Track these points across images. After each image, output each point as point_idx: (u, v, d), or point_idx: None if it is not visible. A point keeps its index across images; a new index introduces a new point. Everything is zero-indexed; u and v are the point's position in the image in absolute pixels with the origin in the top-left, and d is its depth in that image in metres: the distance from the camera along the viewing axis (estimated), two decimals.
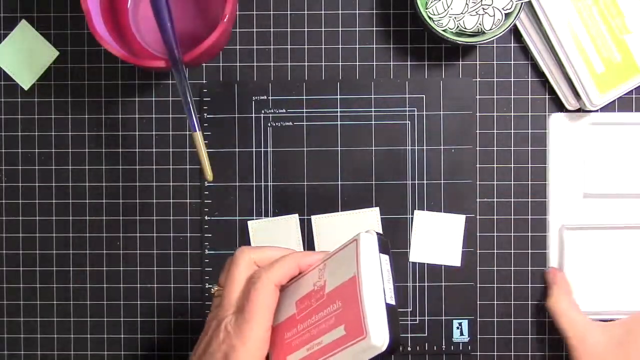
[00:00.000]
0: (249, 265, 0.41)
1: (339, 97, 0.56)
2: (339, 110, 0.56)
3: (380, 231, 0.40)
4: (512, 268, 0.57)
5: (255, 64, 0.57)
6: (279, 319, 0.41)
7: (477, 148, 0.57)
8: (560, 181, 0.56)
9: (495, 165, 0.57)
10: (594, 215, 0.56)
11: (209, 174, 0.48)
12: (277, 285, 0.40)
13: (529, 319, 0.57)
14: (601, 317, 0.55)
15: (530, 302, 0.57)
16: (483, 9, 0.52)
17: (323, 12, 0.57)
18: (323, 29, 0.57)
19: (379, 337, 0.34)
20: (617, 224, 0.56)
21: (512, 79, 0.57)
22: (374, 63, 0.57)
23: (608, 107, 0.56)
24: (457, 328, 0.56)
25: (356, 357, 0.35)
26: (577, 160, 0.56)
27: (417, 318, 0.56)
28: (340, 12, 0.57)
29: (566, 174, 0.56)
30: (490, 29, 0.52)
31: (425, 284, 0.56)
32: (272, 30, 0.57)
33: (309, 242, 0.56)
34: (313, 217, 0.56)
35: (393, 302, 0.37)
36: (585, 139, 0.56)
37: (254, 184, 0.57)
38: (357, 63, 0.57)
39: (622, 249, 0.56)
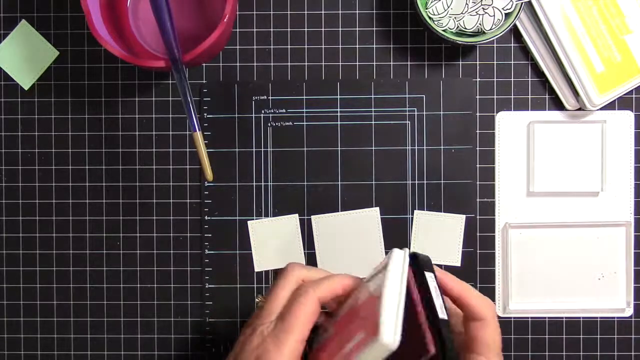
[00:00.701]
0: (296, 281, 0.42)
1: (339, 97, 0.56)
2: (339, 110, 0.56)
3: (412, 252, 0.41)
4: None
5: (255, 64, 0.57)
6: (319, 342, 0.42)
7: (477, 148, 0.57)
8: (507, 179, 0.56)
9: (495, 165, 0.57)
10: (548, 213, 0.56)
11: (209, 174, 0.48)
12: (320, 300, 0.40)
13: (529, 319, 0.57)
14: (541, 315, 0.56)
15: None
16: (483, 9, 0.52)
17: (323, 12, 0.57)
18: (323, 29, 0.57)
19: (390, 335, 0.34)
20: (563, 221, 0.56)
21: (512, 79, 0.57)
22: (374, 63, 0.57)
23: (608, 107, 0.56)
24: None
25: (374, 357, 0.35)
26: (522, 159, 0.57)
27: None
28: (340, 12, 0.57)
29: (513, 172, 0.57)
30: (490, 29, 0.52)
31: None
32: (272, 30, 0.57)
33: (309, 242, 0.56)
34: (313, 217, 0.56)
35: (446, 317, 0.37)
36: (529, 138, 0.56)
37: (254, 184, 0.57)
38: (357, 63, 0.57)
39: (565, 246, 0.56)
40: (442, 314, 0.37)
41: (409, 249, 0.56)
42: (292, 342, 0.39)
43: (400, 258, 0.39)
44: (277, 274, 0.44)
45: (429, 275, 0.39)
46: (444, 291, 0.41)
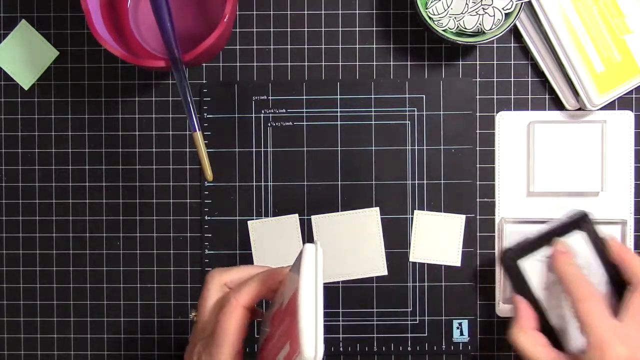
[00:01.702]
0: (219, 288, 0.42)
1: (339, 97, 0.56)
2: (339, 110, 0.56)
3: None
4: None
5: (255, 64, 0.57)
6: (261, 339, 0.42)
7: (477, 148, 0.57)
8: (507, 179, 0.56)
9: (495, 165, 0.57)
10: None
11: (209, 174, 0.48)
12: (247, 308, 0.40)
13: None
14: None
15: None
16: (483, 9, 0.52)
17: (323, 12, 0.57)
18: (323, 29, 0.57)
19: (311, 351, 0.34)
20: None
21: (512, 79, 0.57)
22: (374, 63, 0.57)
23: (608, 107, 0.56)
24: (457, 328, 0.56)
25: None
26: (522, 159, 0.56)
27: (417, 318, 0.56)
28: (340, 12, 0.57)
29: (513, 172, 0.57)
30: (490, 29, 0.52)
31: (425, 284, 0.56)
32: (272, 30, 0.57)
33: (309, 242, 0.56)
34: (313, 217, 0.56)
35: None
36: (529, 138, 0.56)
37: (254, 184, 0.57)
38: (357, 63, 0.57)
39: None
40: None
41: (409, 248, 0.56)
42: (225, 356, 0.38)
43: (311, 257, 0.37)
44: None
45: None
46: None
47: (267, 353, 0.40)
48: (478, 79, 0.57)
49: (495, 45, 0.57)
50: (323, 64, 0.57)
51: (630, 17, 0.54)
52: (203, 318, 0.41)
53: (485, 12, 0.52)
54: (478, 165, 0.57)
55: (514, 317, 0.51)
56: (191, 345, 0.41)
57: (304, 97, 0.56)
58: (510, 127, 0.56)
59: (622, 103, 0.57)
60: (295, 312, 0.35)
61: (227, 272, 0.43)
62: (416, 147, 0.56)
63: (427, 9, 0.53)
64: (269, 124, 0.57)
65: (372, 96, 0.56)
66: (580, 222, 0.51)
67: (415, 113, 0.56)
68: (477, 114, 0.57)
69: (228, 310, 0.39)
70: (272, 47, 0.57)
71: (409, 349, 0.56)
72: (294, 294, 0.36)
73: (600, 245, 0.51)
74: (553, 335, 0.50)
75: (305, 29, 0.57)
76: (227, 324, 0.39)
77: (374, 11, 0.57)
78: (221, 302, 0.40)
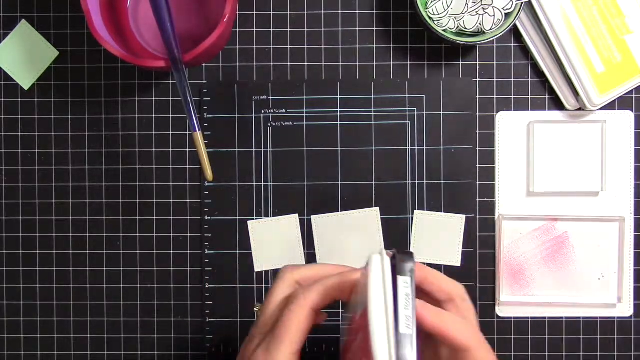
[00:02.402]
0: (290, 284, 0.40)
1: (339, 97, 0.56)
2: (339, 110, 0.56)
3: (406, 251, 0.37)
4: None
5: (255, 64, 0.57)
6: (344, 339, 0.40)
7: (477, 148, 0.57)
8: (507, 179, 0.56)
9: (495, 165, 0.57)
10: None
11: (209, 174, 0.48)
12: (314, 309, 0.38)
13: (529, 319, 0.57)
14: (541, 315, 0.56)
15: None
16: (483, 9, 0.52)
17: (323, 12, 0.57)
18: (323, 29, 0.57)
19: None
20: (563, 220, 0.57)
21: (512, 79, 0.57)
22: (374, 63, 0.57)
23: (608, 107, 0.56)
24: None
25: None
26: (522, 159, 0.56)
27: None
28: (340, 12, 0.57)
29: (513, 172, 0.57)
30: (490, 29, 0.52)
31: None
32: (272, 30, 0.57)
33: (309, 242, 0.56)
34: (313, 217, 0.56)
35: (410, 331, 0.33)
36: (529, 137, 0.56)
37: (254, 184, 0.57)
38: (357, 63, 0.57)
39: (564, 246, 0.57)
40: (404, 328, 0.33)
41: (409, 248, 0.56)
42: (283, 354, 0.37)
43: (378, 269, 0.35)
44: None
45: (401, 281, 0.34)
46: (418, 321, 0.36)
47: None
48: (478, 79, 0.57)
49: (495, 45, 0.57)
50: (323, 64, 0.57)
51: (630, 17, 0.54)
52: (268, 312, 0.40)
53: (485, 12, 0.52)
54: (478, 165, 0.57)
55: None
56: (250, 337, 0.40)
57: (304, 97, 0.56)
58: (510, 127, 0.56)
59: (622, 103, 0.57)
60: (367, 332, 0.33)
61: (301, 269, 0.41)
62: (416, 147, 0.56)
63: (427, 9, 0.53)
64: (269, 124, 0.57)
65: (372, 96, 0.56)
66: (396, 266, 0.36)
67: (415, 113, 0.56)
68: (477, 114, 0.57)
69: (295, 307, 0.37)
70: (272, 47, 0.57)
71: None
72: (364, 310, 0.34)
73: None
74: None
75: (305, 29, 0.57)
76: (291, 322, 0.37)
77: (374, 11, 0.57)
78: (290, 298, 0.38)
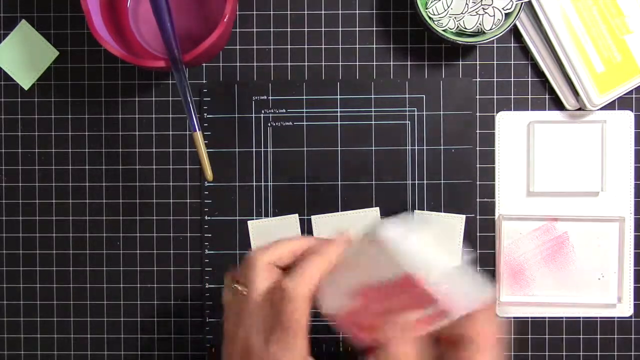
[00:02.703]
0: (267, 268, 0.41)
1: (339, 97, 0.56)
2: (339, 110, 0.56)
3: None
4: None
5: (255, 64, 0.57)
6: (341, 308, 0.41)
7: (477, 148, 0.57)
8: (507, 179, 0.56)
9: (495, 165, 0.57)
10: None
11: (209, 174, 0.48)
12: (310, 298, 0.39)
13: (529, 319, 0.57)
14: (541, 315, 0.56)
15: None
16: (483, 9, 0.52)
17: (323, 12, 0.57)
18: (323, 29, 0.57)
19: (462, 310, 0.36)
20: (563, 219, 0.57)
21: (512, 79, 0.57)
22: (374, 63, 0.57)
23: (608, 107, 0.56)
24: None
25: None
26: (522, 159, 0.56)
27: None
28: (340, 12, 0.57)
29: (513, 172, 0.57)
30: (490, 29, 0.52)
31: None
32: (272, 30, 0.57)
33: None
34: (313, 217, 0.56)
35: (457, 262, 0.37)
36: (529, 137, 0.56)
37: (254, 184, 0.57)
38: (357, 63, 0.57)
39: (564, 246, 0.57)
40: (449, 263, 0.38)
41: None
42: (302, 346, 0.38)
43: (396, 232, 0.37)
44: (244, 262, 0.42)
45: (413, 237, 0.37)
46: None
47: (367, 316, 0.39)
48: (478, 79, 0.57)
49: (495, 45, 0.57)
50: (323, 64, 0.57)
51: (630, 17, 0.54)
52: (254, 306, 0.40)
53: (485, 12, 0.52)
54: (478, 165, 0.57)
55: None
56: (241, 329, 0.40)
57: (304, 97, 0.56)
58: (510, 127, 0.56)
59: (622, 103, 0.57)
60: (422, 291, 0.35)
61: (270, 249, 0.41)
62: (416, 147, 0.56)
63: (427, 9, 0.53)
64: (269, 124, 0.57)
65: (372, 96, 0.56)
66: None
67: (415, 113, 0.56)
68: (477, 114, 0.57)
69: (295, 306, 0.38)
70: (272, 47, 0.57)
71: None
72: (403, 276, 0.36)
73: None
74: None
75: (305, 29, 0.57)
76: (297, 318, 0.38)
77: (374, 11, 0.57)
78: (283, 292, 0.39)
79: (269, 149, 0.57)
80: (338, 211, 0.56)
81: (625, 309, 0.56)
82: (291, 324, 0.38)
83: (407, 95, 0.56)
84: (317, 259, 0.40)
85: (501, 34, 0.52)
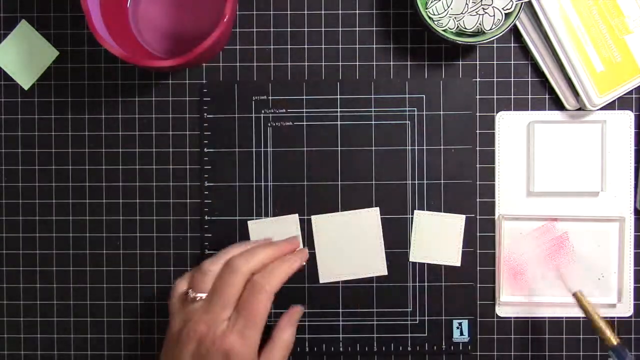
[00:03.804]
0: (246, 276, 0.45)
1: (339, 97, 0.56)
2: (339, 110, 0.57)
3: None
4: None
5: (255, 64, 0.57)
6: None
7: (477, 148, 0.57)
8: (507, 179, 0.56)
9: (495, 165, 0.57)
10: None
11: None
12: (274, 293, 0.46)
13: (529, 319, 0.57)
14: (541, 315, 0.56)
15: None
16: (483, 9, 0.52)
17: (323, 12, 0.57)
18: (323, 29, 0.57)
19: None
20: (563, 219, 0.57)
21: (512, 79, 0.57)
22: (374, 63, 0.57)
23: (608, 107, 0.56)
24: (457, 328, 0.56)
25: None
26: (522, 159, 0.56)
27: (417, 318, 0.56)
28: (340, 12, 0.57)
29: (513, 172, 0.57)
30: (490, 29, 0.52)
31: (425, 284, 0.56)
32: (272, 30, 0.57)
33: (309, 242, 0.56)
34: (313, 217, 0.56)
35: None
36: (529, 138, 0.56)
37: (254, 184, 0.57)
38: (357, 63, 0.57)
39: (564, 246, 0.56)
40: None
41: (409, 248, 0.56)
42: (258, 335, 0.44)
43: None
44: (212, 265, 0.47)
45: None
46: None
47: None
48: (478, 79, 0.57)
49: (495, 45, 0.57)
50: (323, 64, 0.57)
51: (630, 17, 0.54)
52: (227, 299, 0.44)
53: (485, 12, 0.52)
54: (478, 165, 0.57)
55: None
56: (204, 325, 0.45)
57: (304, 97, 0.56)
58: (510, 127, 0.56)
59: (622, 103, 0.57)
60: None
61: (251, 260, 0.46)
62: (416, 147, 0.56)
63: (427, 9, 0.53)
64: (269, 124, 0.57)
65: (372, 96, 0.56)
66: None
67: (415, 113, 0.56)
68: (477, 114, 0.57)
69: (262, 297, 0.44)
70: (272, 47, 0.57)
71: (409, 349, 0.56)
72: None
73: None
74: None
75: (305, 29, 0.57)
76: (261, 309, 0.44)
77: (374, 11, 0.57)
78: (254, 287, 0.44)
79: (269, 149, 0.57)
80: (338, 211, 0.56)
81: (625, 309, 0.56)
82: (256, 316, 0.44)
83: (407, 95, 0.56)
84: (285, 265, 0.47)
85: (501, 34, 0.52)
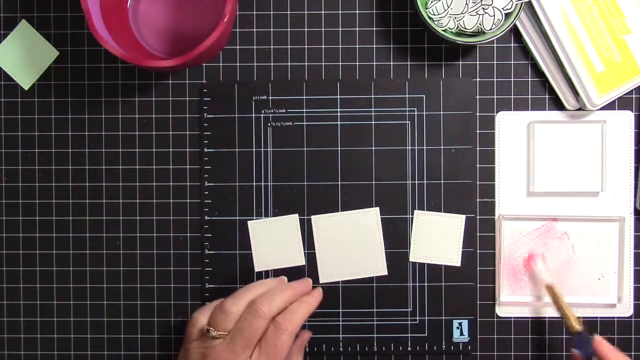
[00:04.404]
0: (269, 319, 0.47)
1: (339, 97, 0.56)
2: (339, 110, 0.57)
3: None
4: None
5: (255, 64, 0.57)
6: None
7: (477, 148, 0.57)
8: (507, 179, 0.56)
9: (495, 165, 0.57)
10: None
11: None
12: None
13: (529, 319, 0.57)
14: (541, 315, 0.56)
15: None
16: (483, 9, 0.52)
17: (323, 12, 0.57)
18: (323, 29, 0.57)
19: None
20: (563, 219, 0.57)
21: (512, 79, 0.57)
22: (374, 63, 0.57)
23: (608, 107, 0.56)
24: (457, 328, 0.56)
25: None
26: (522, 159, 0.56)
27: (417, 318, 0.56)
28: (340, 12, 0.57)
29: (513, 172, 0.57)
30: (490, 29, 0.52)
31: (425, 284, 0.56)
32: (272, 30, 0.57)
33: (309, 242, 0.56)
34: (313, 217, 0.56)
35: None
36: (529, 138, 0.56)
37: (254, 184, 0.57)
38: (357, 63, 0.57)
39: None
40: None
41: (409, 248, 0.56)
42: None
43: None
44: (235, 305, 0.48)
45: None
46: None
47: None
48: (478, 79, 0.57)
49: (495, 45, 0.57)
50: (323, 64, 0.57)
51: (630, 17, 0.54)
52: (250, 339, 0.46)
53: (485, 12, 0.52)
54: (478, 165, 0.57)
55: None
56: (226, 355, 0.46)
57: (304, 97, 0.56)
58: (510, 127, 0.57)
59: (622, 103, 0.57)
60: None
61: (273, 303, 0.48)
62: (416, 147, 0.56)
63: (427, 9, 0.53)
64: (269, 124, 0.57)
65: (372, 96, 0.56)
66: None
67: (415, 113, 0.56)
68: (477, 114, 0.57)
69: (287, 338, 0.47)
70: (272, 47, 0.57)
71: (409, 349, 0.56)
72: None
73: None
74: None
75: (305, 29, 0.57)
76: (285, 347, 0.47)
77: (374, 11, 0.57)
78: (279, 328, 0.47)
79: (269, 149, 0.57)
80: (338, 211, 0.56)
81: (625, 309, 0.56)
82: (278, 355, 0.46)
83: (407, 95, 0.56)
84: (304, 306, 0.49)
85: (501, 34, 0.52)
